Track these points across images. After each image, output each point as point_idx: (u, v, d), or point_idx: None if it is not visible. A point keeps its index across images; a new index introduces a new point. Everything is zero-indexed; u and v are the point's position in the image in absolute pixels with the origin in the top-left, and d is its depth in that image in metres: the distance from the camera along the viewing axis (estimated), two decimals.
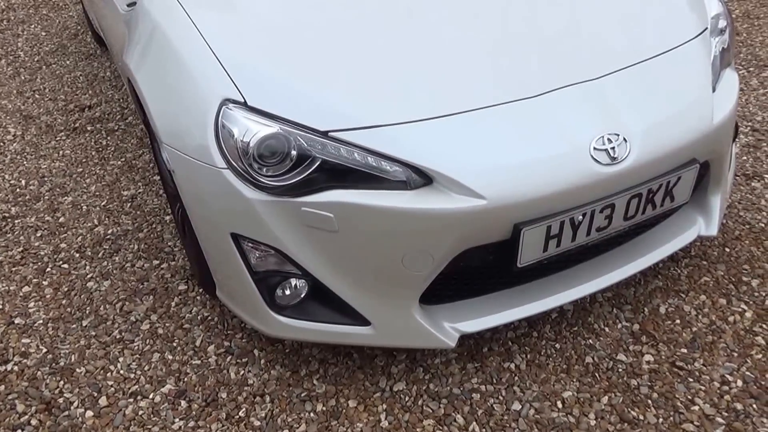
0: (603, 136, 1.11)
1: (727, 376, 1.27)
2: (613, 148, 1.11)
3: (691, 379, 1.27)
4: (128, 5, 1.54)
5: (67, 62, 2.71)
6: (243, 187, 1.07)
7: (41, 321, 1.49)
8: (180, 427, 1.23)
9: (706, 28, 1.34)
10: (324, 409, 1.25)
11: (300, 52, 1.18)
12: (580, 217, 1.12)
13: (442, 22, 1.26)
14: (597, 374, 1.29)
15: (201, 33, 1.22)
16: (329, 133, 1.06)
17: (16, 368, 1.37)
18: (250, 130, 1.07)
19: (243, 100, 1.10)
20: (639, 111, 1.16)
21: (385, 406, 1.25)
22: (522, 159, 1.08)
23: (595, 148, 1.10)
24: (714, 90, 1.27)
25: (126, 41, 1.47)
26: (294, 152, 1.05)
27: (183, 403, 1.28)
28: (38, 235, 1.76)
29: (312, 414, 1.24)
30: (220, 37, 1.21)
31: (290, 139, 1.06)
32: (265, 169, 1.06)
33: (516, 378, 1.29)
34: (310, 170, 1.05)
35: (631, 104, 1.16)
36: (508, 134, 1.10)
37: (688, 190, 1.24)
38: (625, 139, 1.12)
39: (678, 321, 1.40)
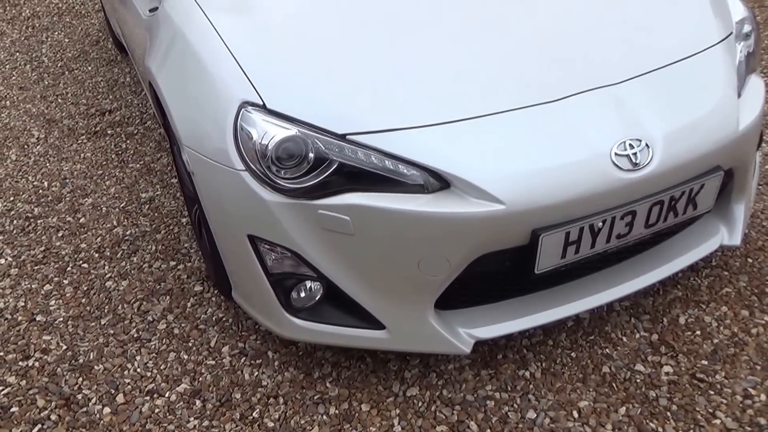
0: (625, 142, 1.10)
1: (750, 389, 1.23)
2: (635, 153, 1.09)
3: (712, 392, 1.24)
4: (150, 10, 1.57)
5: (89, 68, 2.78)
6: (261, 189, 1.09)
7: (61, 319, 1.52)
8: (195, 426, 1.24)
9: (731, 33, 1.32)
10: (337, 412, 1.25)
11: (319, 56, 1.19)
12: (600, 223, 1.11)
13: (461, 26, 1.27)
14: (614, 384, 1.27)
15: (221, 37, 1.25)
16: (347, 136, 1.07)
17: (37, 364, 1.40)
18: (269, 132, 1.08)
19: (262, 103, 1.11)
20: (662, 116, 1.14)
21: (398, 410, 1.24)
22: (541, 164, 1.07)
23: (616, 154, 1.09)
24: (739, 96, 1.25)
25: (148, 46, 1.51)
26: (311, 155, 1.06)
27: (198, 402, 1.28)
28: (60, 235, 1.80)
29: (325, 417, 1.24)
30: (240, 40, 1.23)
31: (308, 142, 1.07)
32: (282, 172, 1.07)
33: (531, 386, 1.27)
34: (327, 173, 1.06)
35: (654, 109, 1.15)
36: (527, 138, 1.09)
37: (712, 198, 1.21)
38: (647, 144, 1.11)
39: (698, 332, 1.37)
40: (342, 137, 1.07)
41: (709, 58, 1.24)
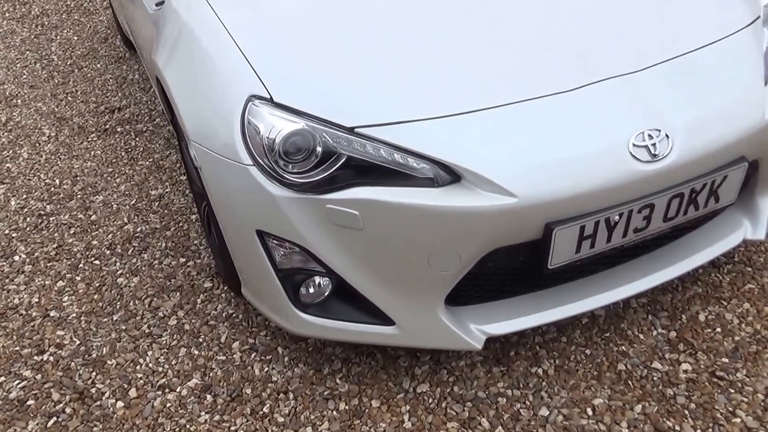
0: (643, 132, 1.06)
1: None
2: (653, 144, 1.05)
3: (732, 390, 1.20)
4: (156, 5, 1.56)
5: (98, 65, 2.80)
6: (268, 184, 1.07)
7: (75, 314, 1.53)
8: (206, 420, 1.24)
9: (759, 17, 1.26)
10: (347, 408, 1.24)
11: (326, 48, 1.17)
12: (617, 217, 1.07)
13: (472, 15, 1.23)
14: (630, 382, 1.24)
15: (228, 30, 1.23)
16: (355, 129, 1.05)
17: (51, 359, 1.41)
18: (276, 126, 1.06)
19: (269, 96, 1.10)
20: (683, 105, 1.10)
21: (408, 407, 1.23)
22: (556, 155, 1.04)
23: (634, 145, 1.05)
24: (766, 83, 1.19)
25: (155, 41, 1.50)
26: (319, 149, 1.05)
27: (209, 397, 1.29)
28: (71, 232, 1.81)
29: (335, 412, 1.23)
30: (247, 34, 1.22)
31: (315, 136, 1.05)
32: (290, 166, 1.06)
33: (544, 383, 1.25)
34: (336, 167, 1.04)
35: (675, 98, 1.10)
36: (541, 130, 1.06)
37: (735, 190, 1.17)
38: (667, 135, 1.07)
39: (719, 329, 1.33)
40: (350, 130, 1.05)
41: (734, 44, 1.19)
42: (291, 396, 1.27)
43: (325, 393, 1.27)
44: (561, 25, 1.21)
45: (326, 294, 1.17)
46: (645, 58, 1.14)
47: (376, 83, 1.10)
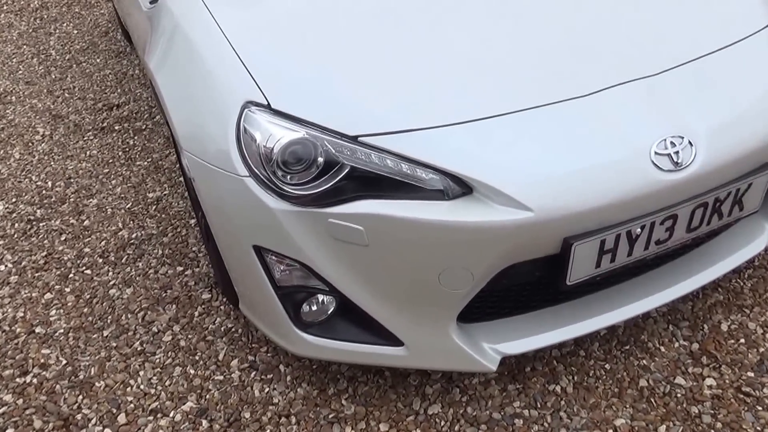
0: (665, 140, 0.99)
1: None
2: (676, 152, 0.98)
3: (760, 408, 1.14)
4: (150, 2, 1.49)
5: (97, 60, 2.71)
6: (266, 196, 1.00)
7: (62, 330, 1.46)
8: None
9: None
10: None
11: (327, 52, 1.10)
12: (638, 229, 1.01)
13: (481, 18, 1.16)
14: (653, 400, 1.17)
15: (223, 32, 1.16)
16: (359, 138, 0.98)
17: (35, 381, 1.34)
18: (274, 135, 0.99)
19: (266, 103, 1.03)
20: (706, 110, 1.03)
21: (419, 430, 1.16)
22: (573, 166, 0.97)
23: (656, 153, 0.98)
24: None
25: (148, 40, 1.42)
26: (321, 159, 0.98)
27: (204, 422, 1.22)
28: (62, 239, 1.74)
29: None
30: (243, 36, 1.14)
31: (317, 145, 0.98)
32: (289, 177, 0.99)
33: (562, 402, 1.18)
34: (338, 178, 0.97)
35: (697, 103, 1.03)
36: (557, 138, 0.98)
37: (760, 197, 1.10)
38: (690, 142, 1.00)
39: (743, 340, 1.26)
40: (354, 139, 0.98)
41: (756, 45, 1.12)
42: (293, 420, 1.21)
43: (330, 416, 1.21)
44: (576, 27, 1.13)
45: (329, 312, 1.10)
46: (665, 60, 1.07)
47: (381, 89, 1.03)
